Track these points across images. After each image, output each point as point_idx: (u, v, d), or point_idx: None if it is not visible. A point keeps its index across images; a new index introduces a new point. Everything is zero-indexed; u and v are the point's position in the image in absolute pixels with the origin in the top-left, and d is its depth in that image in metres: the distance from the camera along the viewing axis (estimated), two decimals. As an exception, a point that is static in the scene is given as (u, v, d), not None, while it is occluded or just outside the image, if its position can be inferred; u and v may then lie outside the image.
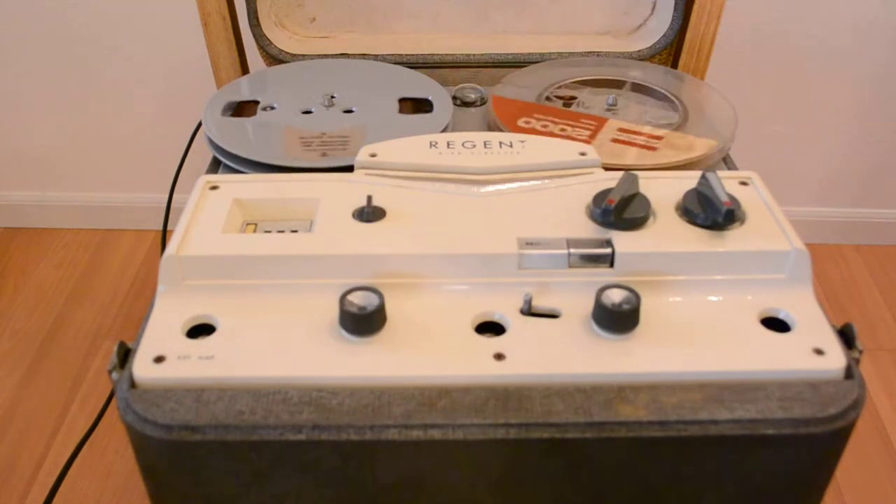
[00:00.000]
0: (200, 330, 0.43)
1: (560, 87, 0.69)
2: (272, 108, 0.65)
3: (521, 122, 0.63)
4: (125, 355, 0.42)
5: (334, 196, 0.50)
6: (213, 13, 0.75)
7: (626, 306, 0.42)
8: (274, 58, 0.79)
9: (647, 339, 0.42)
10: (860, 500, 0.94)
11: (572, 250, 0.45)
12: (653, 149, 0.59)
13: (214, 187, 0.50)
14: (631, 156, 0.58)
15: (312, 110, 0.65)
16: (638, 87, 0.69)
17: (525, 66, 0.73)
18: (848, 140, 1.22)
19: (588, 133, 0.62)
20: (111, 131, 1.27)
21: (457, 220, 0.47)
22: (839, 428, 0.39)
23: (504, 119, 0.64)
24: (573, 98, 0.68)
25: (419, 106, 0.67)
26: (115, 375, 0.41)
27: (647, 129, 0.62)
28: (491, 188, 0.51)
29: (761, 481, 0.41)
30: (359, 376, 0.40)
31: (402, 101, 0.67)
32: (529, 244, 0.45)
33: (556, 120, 0.64)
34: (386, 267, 0.45)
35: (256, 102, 0.66)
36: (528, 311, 0.44)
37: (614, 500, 0.42)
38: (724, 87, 0.71)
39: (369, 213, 0.48)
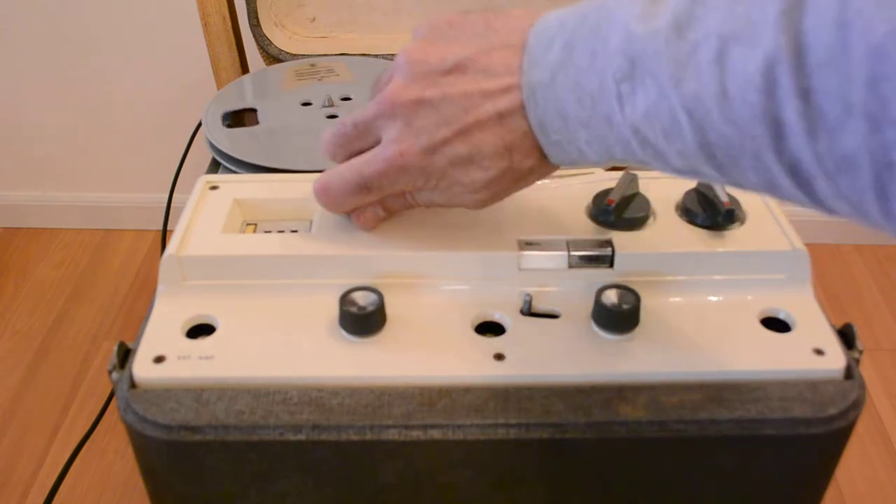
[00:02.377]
0: (200, 330, 0.43)
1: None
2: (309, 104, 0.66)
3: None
4: (125, 355, 0.42)
5: (334, 196, 0.49)
6: (213, 13, 0.75)
7: (625, 306, 0.42)
8: (274, 58, 0.79)
9: (647, 339, 0.42)
10: (860, 500, 0.94)
11: (572, 251, 0.45)
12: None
13: (214, 187, 0.50)
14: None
15: (311, 103, 0.65)
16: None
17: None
18: (848, 140, 1.22)
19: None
20: (111, 131, 1.27)
21: (456, 220, 0.47)
22: (839, 428, 0.39)
23: None
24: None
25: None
26: (115, 375, 0.41)
27: None
28: (491, 188, 0.51)
29: (761, 481, 0.41)
30: (359, 376, 0.40)
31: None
32: (529, 244, 0.45)
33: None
34: (386, 267, 0.45)
35: (254, 111, 0.66)
36: (528, 311, 0.44)
37: (614, 500, 0.42)
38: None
39: (369, 213, 0.48)
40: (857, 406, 0.40)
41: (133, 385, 0.40)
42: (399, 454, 0.39)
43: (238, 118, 0.65)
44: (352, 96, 0.67)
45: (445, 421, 0.39)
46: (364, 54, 0.79)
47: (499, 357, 0.41)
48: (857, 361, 0.42)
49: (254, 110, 0.65)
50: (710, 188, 0.47)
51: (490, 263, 0.45)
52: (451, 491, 0.41)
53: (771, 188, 0.31)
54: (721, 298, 0.45)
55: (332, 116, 0.64)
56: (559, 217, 0.48)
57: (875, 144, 0.26)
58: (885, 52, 0.24)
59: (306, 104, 0.66)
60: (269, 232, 0.48)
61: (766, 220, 0.47)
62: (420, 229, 0.47)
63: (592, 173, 0.52)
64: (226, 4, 0.75)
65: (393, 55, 0.79)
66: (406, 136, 0.39)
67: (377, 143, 0.41)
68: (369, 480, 0.40)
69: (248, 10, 0.77)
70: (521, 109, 0.37)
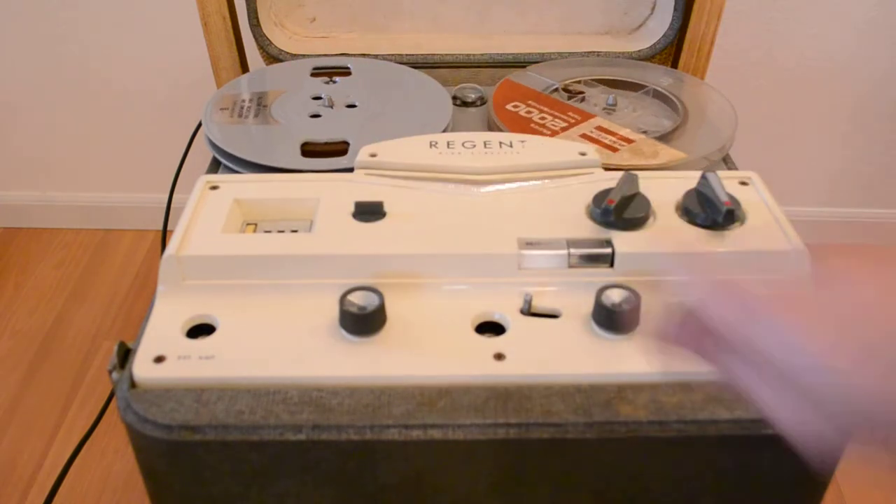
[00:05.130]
0: (200, 330, 0.43)
1: (572, 82, 0.70)
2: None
3: (509, 106, 0.65)
4: (125, 355, 0.42)
5: (334, 196, 0.50)
6: (213, 13, 0.75)
7: (626, 306, 0.42)
8: (274, 58, 0.79)
9: (647, 339, 0.42)
10: (860, 500, 0.94)
11: (572, 250, 0.45)
12: (615, 150, 0.59)
13: (214, 187, 0.50)
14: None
15: (320, 115, 0.64)
16: (639, 87, 0.69)
17: (525, 66, 0.73)
18: (848, 140, 1.22)
19: (565, 125, 0.62)
20: (111, 131, 1.27)
21: (457, 220, 0.47)
22: (839, 428, 0.39)
23: (497, 101, 0.66)
24: (581, 93, 0.68)
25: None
26: (115, 375, 0.41)
27: (625, 132, 0.61)
28: (491, 188, 0.51)
29: (761, 481, 0.41)
30: (359, 376, 0.40)
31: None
32: (529, 244, 0.45)
33: (543, 108, 0.65)
34: (386, 267, 0.45)
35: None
36: (528, 311, 0.44)
37: (614, 500, 0.42)
38: (724, 87, 0.71)
39: (369, 214, 0.48)
40: (857, 406, 0.39)
41: (133, 385, 0.40)
42: (399, 454, 0.39)
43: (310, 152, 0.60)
44: (325, 94, 0.67)
45: (445, 421, 0.39)
46: (364, 54, 0.79)
47: (499, 357, 0.41)
48: (857, 361, 0.42)
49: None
50: (711, 188, 0.47)
51: (490, 263, 0.45)
52: (451, 491, 0.41)
53: None
54: (721, 298, 0.45)
55: (352, 106, 0.65)
56: (559, 217, 0.48)
57: None
58: None
59: (315, 116, 0.64)
60: (269, 232, 0.48)
61: (766, 220, 0.47)
62: (420, 229, 0.47)
63: (592, 173, 0.52)
64: (226, 4, 0.75)
65: (393, 55, 0.79)
66: None
67: None
68: (369, 480, 0.40)
69: (248, 10, 0.77)
70: None
